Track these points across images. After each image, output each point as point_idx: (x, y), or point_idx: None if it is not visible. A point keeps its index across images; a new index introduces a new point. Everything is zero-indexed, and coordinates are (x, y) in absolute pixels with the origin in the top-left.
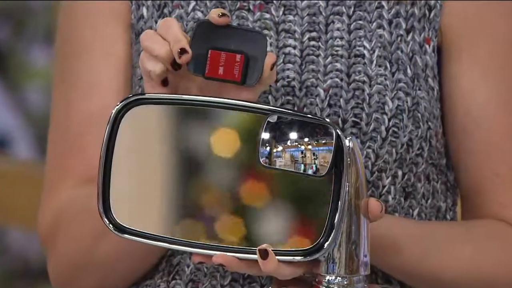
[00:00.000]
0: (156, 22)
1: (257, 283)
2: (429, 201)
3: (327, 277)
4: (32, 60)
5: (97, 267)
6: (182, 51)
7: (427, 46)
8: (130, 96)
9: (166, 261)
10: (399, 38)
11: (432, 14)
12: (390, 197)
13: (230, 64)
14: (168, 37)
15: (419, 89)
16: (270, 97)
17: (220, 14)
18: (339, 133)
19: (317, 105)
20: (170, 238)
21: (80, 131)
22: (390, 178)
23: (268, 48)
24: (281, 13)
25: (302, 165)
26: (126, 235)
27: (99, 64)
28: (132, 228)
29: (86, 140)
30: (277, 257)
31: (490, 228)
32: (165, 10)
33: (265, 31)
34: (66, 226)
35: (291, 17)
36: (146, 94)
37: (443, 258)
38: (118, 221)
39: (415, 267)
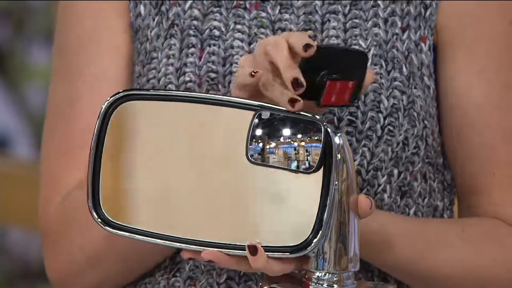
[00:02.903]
0: (153, 19)
1: (253, 281)
2: (425, 200)
3: (317, 274)
4: (32, 60)
5: (118, 254)
6: (297, 85)
7: (422, 45)
8: (120, 92)
9: (170, 259)
10: (394, 37)
11: (428, 13)
12: (385, 196)
13: (342, 90)
14: (277, 61)
15: (415, 88)
16: None
17: (305, 45)
18: (328, 130)
19: None
20: (160, 234)
21: (89, 125)
22: (385, 177)
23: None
24: (277, 11)
25: (295, 162)
26: (116, 231)
27: (105, 55)
28: (121, 223)
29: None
30: (266, 253)
31: (485, 227)
32: (162, 8)
33: (261, 30)
34: (80, 215)
35: (287, 16)
36: (135, 90)
37: (438, 256)
38: (107, 216)
39: (410, 264)
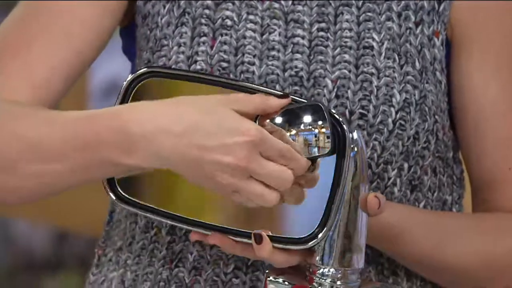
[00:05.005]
0: (164, 6)
1: (261, 271)
2: (435, 194)
3: (321, 268)
4: None
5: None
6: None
7: (435, 39)
8: (141, 68)
9: (167, 249)
10: (408, 31)
11: (441, 7)
12: (396, 189)
13: None
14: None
15: (427, 83)
16: (277, 86)
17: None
18: (344, 126)
19: (324, 96)
20: (171, 214)
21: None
22: (396, 171)
23: None
24: (290, 2)
25: (315, 148)
26: (129, 207)
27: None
28: (135, 200)
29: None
30: (272, 243)
31: (501, 220)
32: None
33: (274, 21)
34: None
35: (300, 7)
36: (158, 68)
37: (454, 248)
38: (121, 192)
39: (426, 256)
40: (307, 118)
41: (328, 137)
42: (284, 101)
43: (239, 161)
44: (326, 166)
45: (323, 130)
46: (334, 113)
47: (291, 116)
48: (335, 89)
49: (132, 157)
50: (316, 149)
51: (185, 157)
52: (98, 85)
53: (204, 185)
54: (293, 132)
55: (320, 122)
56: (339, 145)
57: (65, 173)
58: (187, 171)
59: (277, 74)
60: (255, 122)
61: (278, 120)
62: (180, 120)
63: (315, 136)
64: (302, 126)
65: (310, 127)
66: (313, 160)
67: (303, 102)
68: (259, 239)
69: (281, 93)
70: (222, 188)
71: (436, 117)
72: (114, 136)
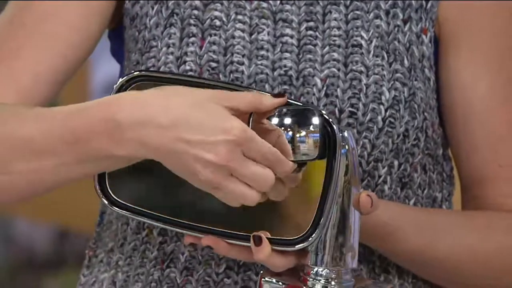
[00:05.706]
0: (152, 8)
1: (252, 271)
2: (425, 191)
3: (315, 269)
4: None
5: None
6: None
7: (424, 37)
8: (134, 72)
9: (158, 249)
10: (396, 29)
11: (429, 5)
12: (386, 187)
13: None
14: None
15: (416, 80)
16: (267, 86)
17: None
18: (334, 127)
19: (314, 94)
20: (165, 218)
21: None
22: (386, 168)
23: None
24: (278, 2)
25: (304, 153)
26: (121, 210)
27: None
28: (127, 204)
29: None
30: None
31: (491, 218)
32: None
33: (262, 20)
34: None
35: (288, 7)
36: (150, 72)
37: (445, 245)
38: (112, 195)
39: (418, 253)
40: (299, 122)
41: (317, 143)
42: (278, 101)
43: (219, 159)
44: (318, 166)
45: (313, 135)
46: (325, 114)
47: (285, 118)
48: (325, 88)
49: (122, 147)
50: (304, 154)
51: (171, 150)
52: (100, 83)
53: (187, 179)
54: (286, 133)
55: (311, 127)
56: (329, 145)
57: (58, 168)
58: (171, 163)
59: (266, 74)
60: (249, 120)
61: (275, 120)
62: (168, 112)
63: (305, 141)
64: (293, 129)
65: (301, 131)
66: (301, 163)
67: (298, 104)
68: (258, 241)
69: (276, 93)
70: (203, 183)
71: (426, 114)
72: (104, 126)
